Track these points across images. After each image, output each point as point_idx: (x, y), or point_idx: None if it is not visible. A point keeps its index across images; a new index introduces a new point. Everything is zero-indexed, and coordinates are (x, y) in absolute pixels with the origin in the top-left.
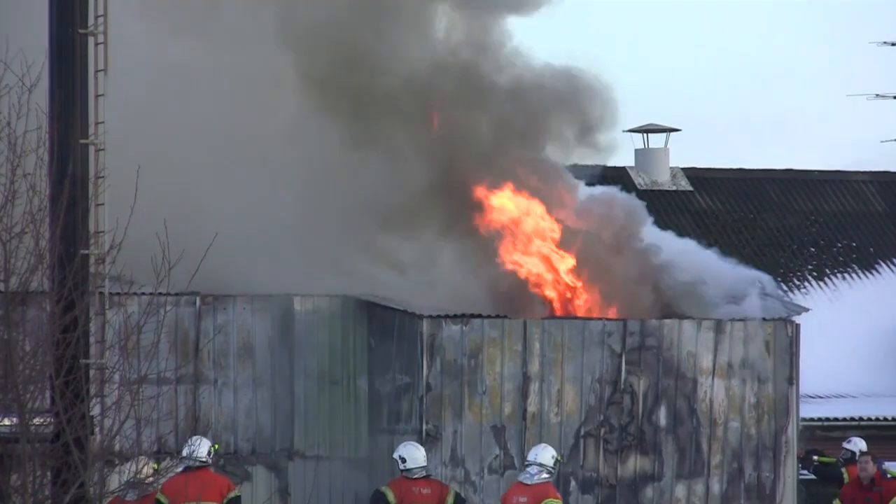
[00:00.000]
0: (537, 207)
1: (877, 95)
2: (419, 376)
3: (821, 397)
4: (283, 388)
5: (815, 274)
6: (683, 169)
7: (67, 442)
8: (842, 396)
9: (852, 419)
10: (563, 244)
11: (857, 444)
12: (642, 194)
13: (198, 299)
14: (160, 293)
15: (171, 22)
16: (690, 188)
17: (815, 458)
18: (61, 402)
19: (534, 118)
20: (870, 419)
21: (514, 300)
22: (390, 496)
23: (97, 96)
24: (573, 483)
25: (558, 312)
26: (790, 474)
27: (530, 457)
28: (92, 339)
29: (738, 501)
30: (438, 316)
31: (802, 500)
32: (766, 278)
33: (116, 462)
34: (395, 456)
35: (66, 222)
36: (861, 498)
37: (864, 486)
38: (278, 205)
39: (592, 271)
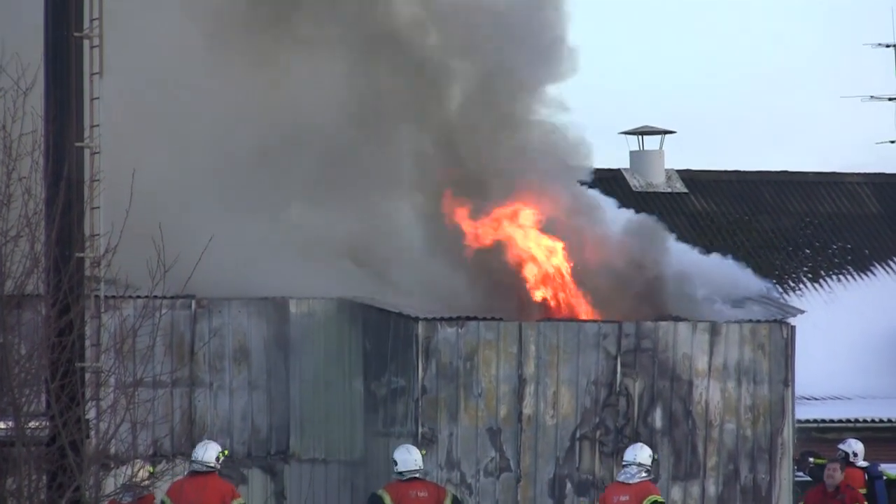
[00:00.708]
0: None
1: (871, 97)
2: (414, 379)
3: (816, 399)
4: (278, 390)
5: (810, 276)
6: (678, 171)
7: (63, 445)
8: (837, 398)
9: (848, 421)
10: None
11: (852, 446)
12: (637, 196)
13: (193, 302)
14: (155, 296)
15: (166, 23)
16: (685, 190)
17: (811, 459)
18: (57, 406)
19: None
20: (865, 421)
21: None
22: (387, 499)
23: (92, 99)
24: (569, 485)
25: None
26: (786, 476)
27: (628, 457)
28: (87, 343)
29: (734, 503)
30: (434, 318)
31: (798, 502)
32: (762, 284)
33: (112, 465)
34: (392, 458)
35: (61, 225)
36: None
37: (829, 493)
38: (273, 208)
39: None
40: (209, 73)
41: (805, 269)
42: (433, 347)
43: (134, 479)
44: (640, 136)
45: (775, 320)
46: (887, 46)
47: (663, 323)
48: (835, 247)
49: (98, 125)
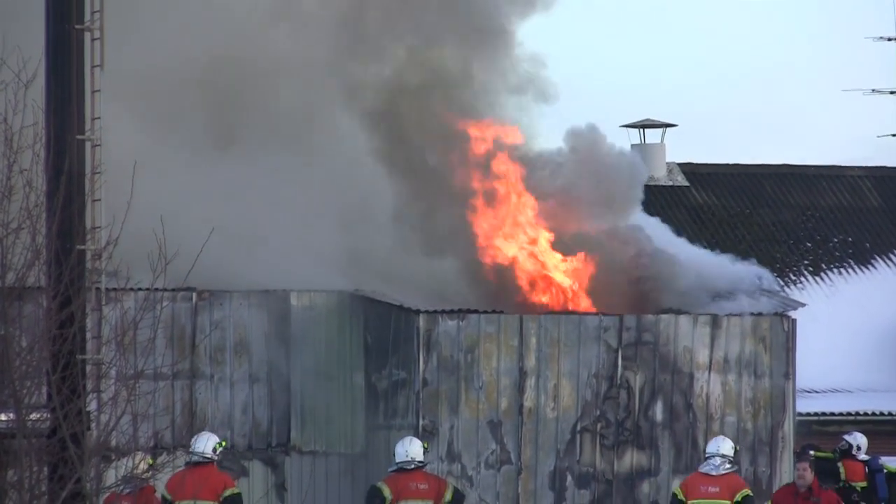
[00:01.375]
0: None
1: (873, 90)
2: (415, 372)
3: (817, 392)
4: (279, 383)
5: (811, 269)
6: (680, 164)
7: (64, 437)
8: (838, 391)
9: (848, 414)
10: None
11: (857, 439)
12: None
13: (194, 295)
14: (156, 289)
15: (168, 14)
16: (687, 183)
17: (811, 452)
18: (58, 398)
19: None
20: (866, 414)
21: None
22: (386, 491)
23: (93, 92)
24: (569, 478)
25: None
26: (786, 469)
27: (711, 448)
28: (88, 335)
29: None
30: (435, 311)
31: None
32: (763, 273)
33: (113, 457)
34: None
35: (62, 218)
36: None
37: (801, 493)
38: (275, 200)
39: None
40: (211, 62)
41: (806, 262)
42: (434, 340)
43: (134, 471)
44: (641, 130)
45: (776, 313)
46: (889, 40)
47: (664, 316)
48: (836, 240)
49: (99, 117)
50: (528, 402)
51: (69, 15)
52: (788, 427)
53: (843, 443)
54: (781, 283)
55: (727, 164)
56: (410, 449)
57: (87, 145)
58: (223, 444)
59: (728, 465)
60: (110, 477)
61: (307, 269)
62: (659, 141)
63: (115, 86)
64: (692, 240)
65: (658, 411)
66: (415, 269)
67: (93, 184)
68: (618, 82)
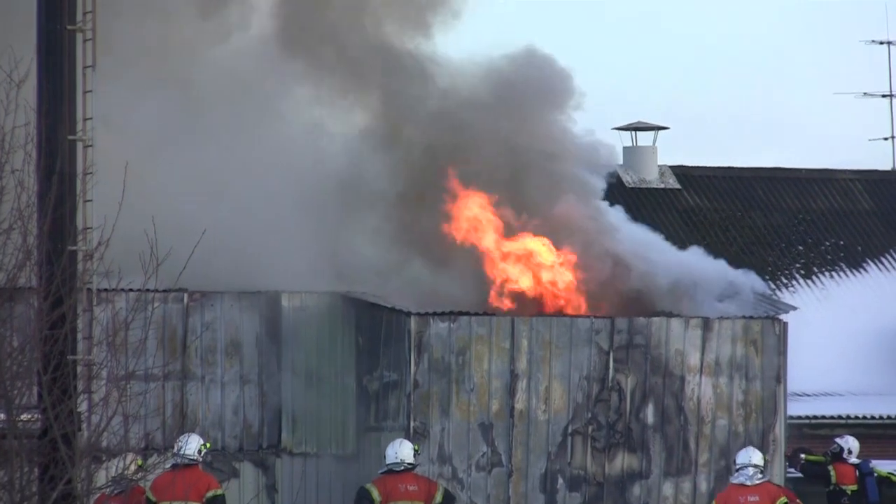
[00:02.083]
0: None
1: (864, 94)
2: (407, 373)
3: (808, 395)
4: (270, 384)
5: (802, 272)
6: (671, 167)
7: (55, 438)
8: (829, 395)
9: (840, 417)
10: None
11: (849, 443)
12: (630, 192)
13: (185, 296)
14: (148, 290)
15: (158, 14)
16: (678, 186)
17: (803, 456)
18: (49, 399)
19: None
20: (857, 417)
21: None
22: (375, 493)
23: (85, 92)
24: (560, 480)
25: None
26: (777, 472)
27: (742, 459)
28: (80, 336)
29: None
30: (426, 313)
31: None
32: (754, 278)
33: (104, 458)
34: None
35: (54, 219)
36: None
37: None
38: (266, 201)
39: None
40: (202, 63)
41: (798, 265)
42: (425, 342)
43: (125, 472)
44: (633, 132)
45: (768, 317)
46: (881, 43)
47: (656, 319)
48: (827, 243)
49: (91, 118)
50: (520, 405)
51: (61, 15)
52: (779, 430)
53: (835, 446)
54: (773, 286)
55: (719, 167)
56: (400, 451)
57: (79, 146)
58: (207, 445)
59: (761, 475)
60: (101, 478)
61: (298, 270)
62: (651, 144)
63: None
64: (685, 243)
65: (649, 414)
66: (401, 268)
67: (84, 184)
68: (609, 85)
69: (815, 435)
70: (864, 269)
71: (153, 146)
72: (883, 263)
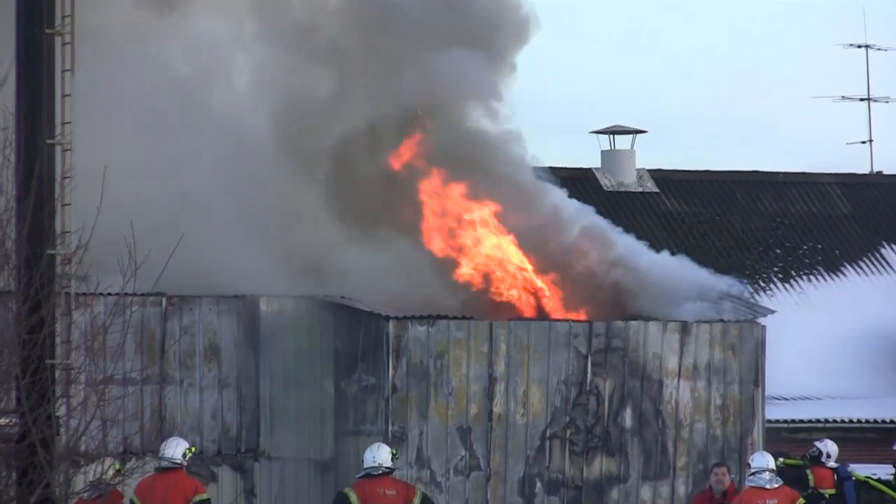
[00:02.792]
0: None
1: (843, 97)
2: (385, 377)
3: (786, 399)
4: (248, 389)
5: (780, 276)
6: (650, 170)
7: (33, 442)
8: (807, 399)
9: (818, 421)
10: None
11: (828, 446)
12: (608, 196)
13: (164, 300)
14: (126, 294)
15: (138, 20)
16: (657, 190)
17: (781, 459)
18: (27, 403)
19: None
20: (835, 421)
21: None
22: (353, 497)
23: (64, 96)
24: (538, 484)
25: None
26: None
27: (760, 463)
28: (58, 340)
29: None
30: (404, 317)
31: None
32: (732, 282)
33: (82, 462)
34: None
35: (32, 222)
36: None
37: (716, 499)
38: (244, 205)
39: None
40: (180, 68)
41: (776, 269)
42: (404, 346)
43: (103, 477)
44: (611, 136)
45: (746, 320)
46: (859, 47)
47: (634, 322)
48: (805, 247)
49: (69, 122)
50: (498, 409)
51: (40, 19)
52: (758, 434)
53: (814, 449)
54: (751, 290)
55: (697, 171)
56: (378, 455)
57: (58, 150)
58: (193, 449)
59: (777, 479)
60: (79, 482)
61: (277, 275)
62: (629, 147)
63: (86, 89)
64: (663, 246)
65: (627, 418)
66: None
67: (63, 188)
68: (587, 88)
69: (793, 439)
70: (842, 273)
71: (132, 147)
72: (861, 267)
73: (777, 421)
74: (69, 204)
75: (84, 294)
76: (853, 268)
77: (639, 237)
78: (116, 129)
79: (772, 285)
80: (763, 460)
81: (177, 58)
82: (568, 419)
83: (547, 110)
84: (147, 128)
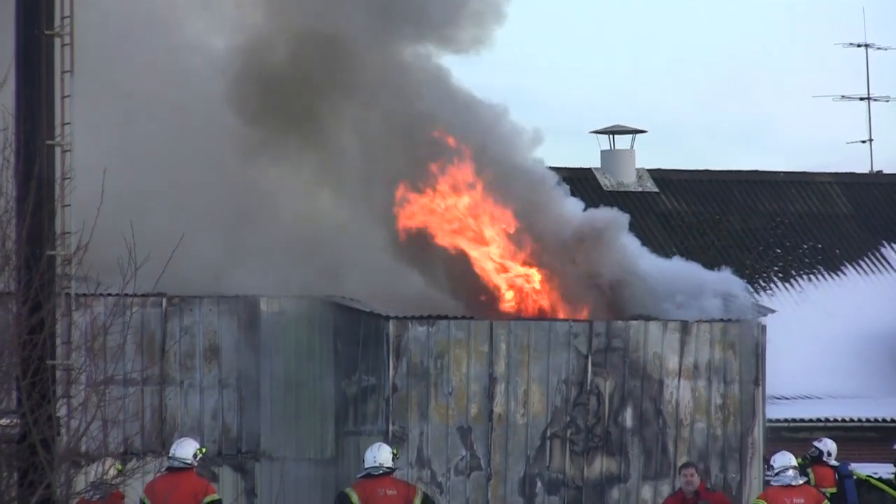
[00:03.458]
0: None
1: (842, 97)
2: (385, 377)
3: (787, 398)
4: (249, 389)
5: (780, 275)
6: (649, 170)
7: (34, 443)
8: (808, 398)
9: (818, 420)
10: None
11: (828, 445)
12: (608, 196)
13: (164, 300)
14: (126, 294)
15: (137, 22)
16: (656, 189)
17: None
18: (28, 403)
19: None
20: (835, 420)
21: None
22: (354, 497)
23: (63, 97)
24: (539, 484)
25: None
26: (756, 475)
27: (784, 462)
28: (58, 341)
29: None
30: (404, 317)
31: None
32: (734, 279)
33: (83, 463)
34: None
35: (32, 223)
36: None
37: (688, 499)
38: (244, 206)
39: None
40: (181, 67)
41: (776, 268)
42: (404, 346)
43: (104, 477)
44: (610, 136)
45: (746, 320)
46: (858, 46)
47: (634, 322)
48: (805, 246)
49: (69, 123)
50: (498, 408)
51: (39, 20)
52: (758, 433)
53: (813, 450)
54: (751, 289)
55: (697, 171)
56: (379, 455)
57: (57, 150)
58: (203, 450)
59: (801, 477)
60: (80, 483)
61: (277, 275)
62: (629, 147)
63: (86, 90)
64: (662, 246)
65: (628, 417)
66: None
67: (63, 189)
68: (587, 88)
69: (793, 438)
70: (842, 273)
71: (133, 148)
72: (861, 266)
73: (777, 420)
74: (69, 205)
75: (84, 295)
76: (853, 267)
77: (638, 237)
78: (116, 128)
79: (772, 285)
80: (785, 459)
81: (178, 57)
82: (568, 419)
83: (546, 110)
84: (147, 126)
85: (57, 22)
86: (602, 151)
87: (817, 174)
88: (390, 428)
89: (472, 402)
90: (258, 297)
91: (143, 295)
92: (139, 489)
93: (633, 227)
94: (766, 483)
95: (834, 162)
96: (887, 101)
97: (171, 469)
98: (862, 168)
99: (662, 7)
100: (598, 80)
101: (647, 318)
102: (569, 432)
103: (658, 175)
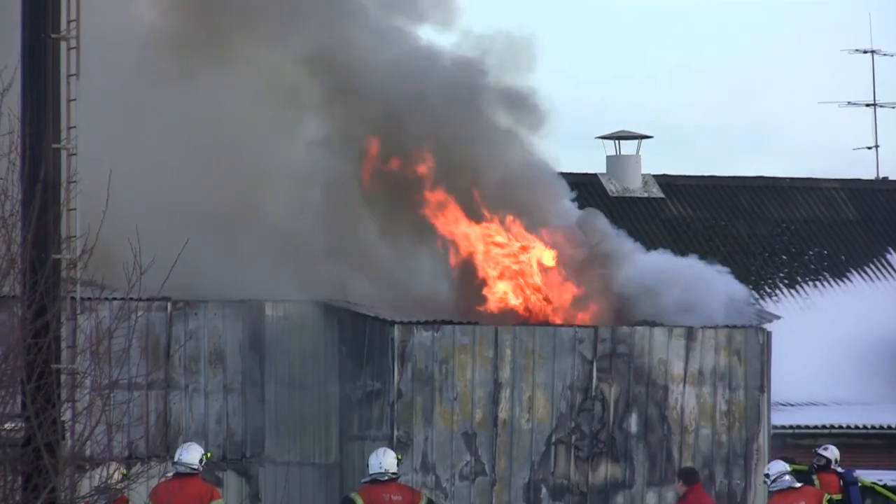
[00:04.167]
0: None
1: (848, 103)
2: (390, 383)
3: (792, 405)
4: (253, 393)
5: (786, 282)
6: (655, 176)
7: (38, 447)
8: (813, 404)
9: (823, 427)
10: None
11: (833, 452)
12: (614, 201)
13: (169, 305)
14: (131, 298)
15: (144, 26)
16: (662, 195)
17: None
18: (32, 407)
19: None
20: (840, 427)
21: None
22: (359, 503)
23: (69, 101)
24: (544, 490)
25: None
26: (761, 482)
27: (779, 468)
28: (63, 344)
29: None
30: (409, 322)
31: None
32: (738, 287)
33: (87, 467)
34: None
35: (37, 227)
36: None
37: None
38: (249, 210)
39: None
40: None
41: (781, 274)
42: (409, 351)
43: (109, 482)
44: (616, 141)
45: (751, 326)
46: (865, 52)
47: (639, 328)
48: (811, 253)
49: (75, 126)
50: (503, 414)
51: (45, 24)
52: (763, 440)
53: (820, 458)
54: (756, 295)
55: (703, 176)
56: (384, 460)
57: (63, 154)
58: (209, 455)
59: (798, 480)
60: (84, 487)
61: (282, 279)
62: (634, 153)
63: (91, 93)
64: (668, 252)
65: (633, 423)
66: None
67: (68, 193)
68: (593, 94)
69: (798, 445)
70: (848, 279)
71: (138, 152)
72: (866, 273)
73: (783, 427)
74: (74, 208)
75: (89, 298)
76: (859, 273)
77: (644, 243)
78: (122, 132)
79: (777, 291)
80: (779, 465)
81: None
82: (573, 425)
83: (552, 115)
84: (154, 131)
85: (63, 25)
86: (608, 157)
87: (823, 180)
88: (395, 433)
89: (477, 407)
90: (263, 302)
91: (148, 299)
92: (144, 493)
93: (639, 233)
94: (769, 494)
95: (840, 168)
96: (893, 107)
97: (177, 474)
98: (868, 174)
99: (668, 13)
100: (604, 85)
101: (652, 324)
102: (573, 438)
103: (664, 181)
